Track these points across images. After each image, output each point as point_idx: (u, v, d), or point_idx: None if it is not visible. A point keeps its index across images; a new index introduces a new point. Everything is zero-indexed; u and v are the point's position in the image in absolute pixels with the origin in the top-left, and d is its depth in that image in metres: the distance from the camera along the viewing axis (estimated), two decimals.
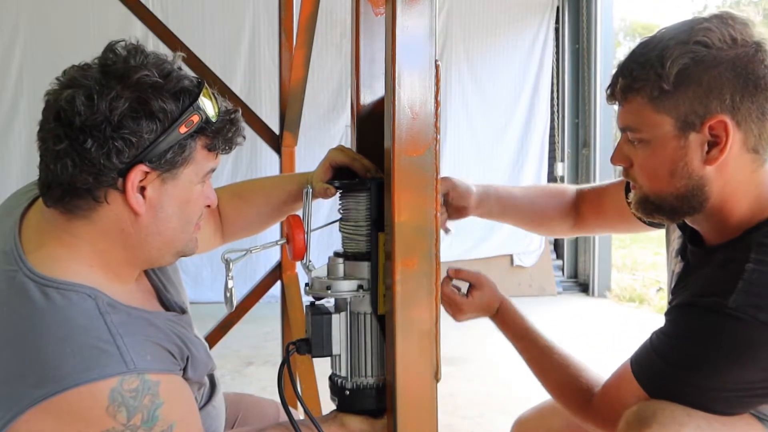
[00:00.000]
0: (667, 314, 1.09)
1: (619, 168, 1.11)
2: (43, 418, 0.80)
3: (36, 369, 0.80)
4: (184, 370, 0.96)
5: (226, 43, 5.38)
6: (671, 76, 0.96)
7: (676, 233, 1.22)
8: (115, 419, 0.81)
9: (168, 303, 1.05)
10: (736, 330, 0.94)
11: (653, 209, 1.08)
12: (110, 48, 0.88)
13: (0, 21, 5.07)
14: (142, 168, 0.86)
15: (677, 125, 0.98)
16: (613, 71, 1.08)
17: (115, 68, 0.86)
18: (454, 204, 1.37)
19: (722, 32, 0.96)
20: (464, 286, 1.36)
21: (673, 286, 1.18)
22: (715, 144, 0.97)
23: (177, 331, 0.97)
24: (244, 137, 0.99)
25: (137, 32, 5.11)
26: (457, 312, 1.34)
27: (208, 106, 0.90)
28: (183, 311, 1.07)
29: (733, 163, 0.99)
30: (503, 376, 3.51)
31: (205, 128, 0.90)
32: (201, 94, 0.89)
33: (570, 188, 1.53)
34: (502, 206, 1.45)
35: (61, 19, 5.14)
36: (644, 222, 1.29)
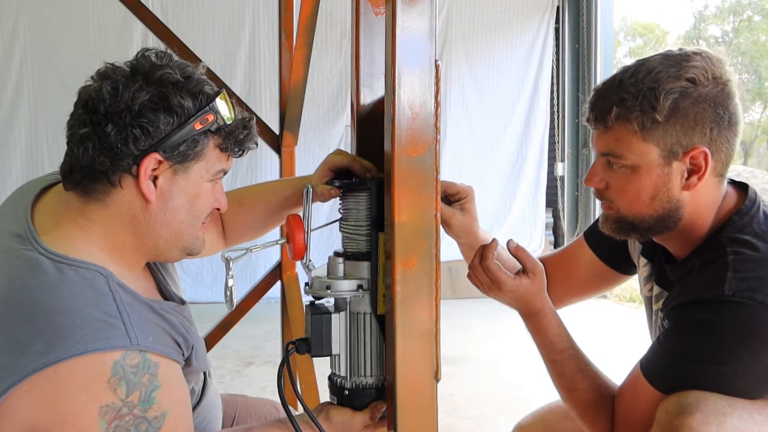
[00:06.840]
0: (668, 317, 1.09)
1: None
2: (45, 387, 0.81)
3: (44, 337, 0.82)
4: (189, 359, 0.99)
5: (226, 43, 5.38)
6: (665, 108, 1.02)
7: (642, 261, 1.29)
8: (115, 393, 0.83)
9: (168, 294, 1.09)
10: (738, 314, 0.98)
11: (629, 229, 1.13)
12: (142, 52, 0.96)
13: (0, 21, 5.07)
14: (155, 156, 0.92)
15: (662, 154, 1.05)
16: (593, 96, 1.10)
17: (142, 66, 0.93)
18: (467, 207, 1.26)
19: (705, 70, 1.03)
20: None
21: (658, 304, 1.20)
22: (693, 172, 1.05)
23: (180, 321, 1.00)
24: (257, 144, 1.05)
25: (137, 32, 5.13)
26: (494, 289, 1.21)
27: (223, 108, 0.97)
28: (182, 302, 1.10)
29: (703, 187, 1.07)
30: (503, 376, 3.51)
31: (218, 128, 0.97)
32: (218, 98, 0.96)
33: None
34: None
35: (61, 19, 5.14)
36: (617, 270, 1.35)
